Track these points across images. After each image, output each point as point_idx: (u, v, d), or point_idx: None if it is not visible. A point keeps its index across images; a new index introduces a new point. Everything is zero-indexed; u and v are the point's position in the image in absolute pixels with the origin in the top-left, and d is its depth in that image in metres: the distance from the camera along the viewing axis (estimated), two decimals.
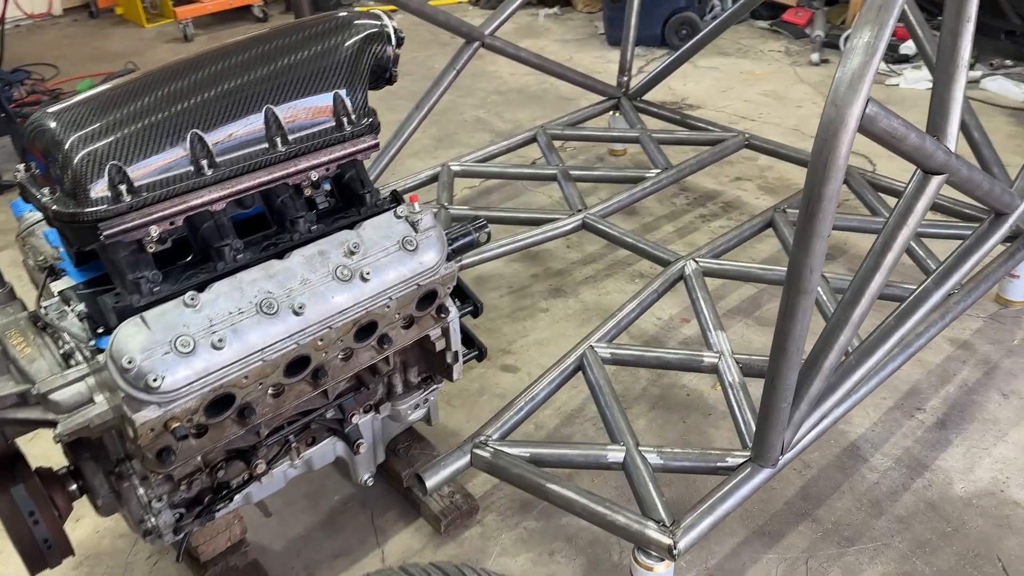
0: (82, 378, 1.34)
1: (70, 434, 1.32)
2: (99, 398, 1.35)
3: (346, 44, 1.51)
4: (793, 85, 4.20)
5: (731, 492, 1.63)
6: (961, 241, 1.89)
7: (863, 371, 1.75)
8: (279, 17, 5.64)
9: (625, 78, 3.38)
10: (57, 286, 1.48)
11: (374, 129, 1.55)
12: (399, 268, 1.48)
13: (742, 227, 2.51)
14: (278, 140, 1.42)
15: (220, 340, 1.28)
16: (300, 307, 1.35)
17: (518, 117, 3.95)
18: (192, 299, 1.28)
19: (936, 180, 1.50)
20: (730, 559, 1.80)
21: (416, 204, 1.53)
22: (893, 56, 4.36)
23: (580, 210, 2.60)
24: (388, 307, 1.48)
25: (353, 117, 1.51)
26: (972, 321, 2.43)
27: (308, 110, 1.45)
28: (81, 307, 1.33)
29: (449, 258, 1.57)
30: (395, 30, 1.58)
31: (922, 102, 3.94)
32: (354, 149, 1.50)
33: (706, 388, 2.25)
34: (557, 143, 3.07)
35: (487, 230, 1.87)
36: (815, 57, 4.45)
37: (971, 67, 4.16)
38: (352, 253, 1.44)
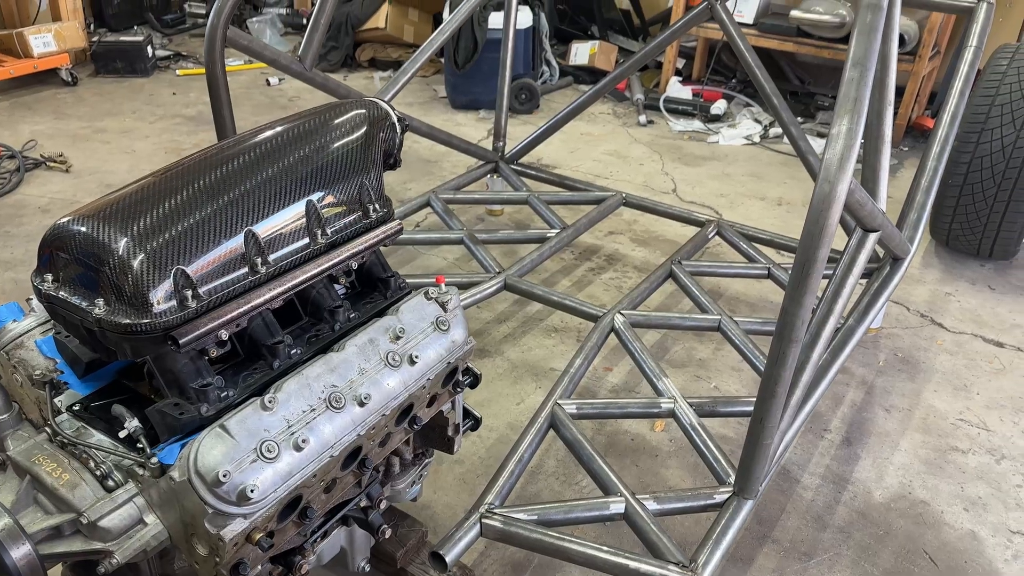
0: (130, 499, 1.25)
1: (126, 562, 1.22)
2: (150, 518, 1.26)
3: (364, 131, 1.53)
4: (630, 145, 4.61)
5: (728, 525, 1.79)
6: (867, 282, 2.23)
7: (811, 404, 2.01)
8: (89, 81, 5.25)
9: (501, 143, 3.55)
10: (62, 401, 1.35)
11: (392, 214, 1.57)
12: (437, 348, 1.51)
13: (649, 279, 2.74)
14: (318, 232, 1.41)
15: (303, 440, 1.24)
16: (366, 397, 1.35)
17: (387, 181, 3.97)
18: (270, 402, 1.23)
19: (872, 237, 1.79)
20: None
21: (443, 285, 1.57)
22: (707, 116, 4.92)
23: (499, 272, 2.71)
24: (425, 387, 1.51)
25: (377, 204, 1.53)
26: None
27: (341, 200, 1.45)
28: (136, 423, 1.23)
29: None
30: (399, 117, 1.62)
31: (742, 157, 4.52)
32: (384, 235, 1.52)
33: (647, 432, 2.43)
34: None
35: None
36: (642, 119, 4.91)
37: (772, 125, 4.80)
38: (398, 338, 1.45)
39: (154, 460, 1.21)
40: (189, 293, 1.21)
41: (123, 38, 5.40)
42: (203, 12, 6.39)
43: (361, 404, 1.34)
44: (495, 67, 4.73)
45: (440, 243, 3.12)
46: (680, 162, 4.37)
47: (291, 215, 1.37)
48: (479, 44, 4.72)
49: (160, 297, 1.19)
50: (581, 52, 5.51)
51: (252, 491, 1.16)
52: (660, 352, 2.80)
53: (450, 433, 1.78)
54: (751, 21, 4.91)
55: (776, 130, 4.76)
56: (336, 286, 1.56)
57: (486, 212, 3.68)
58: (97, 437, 1.30)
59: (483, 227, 3.57)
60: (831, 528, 2.13)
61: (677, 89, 5.15)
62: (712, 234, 3.08)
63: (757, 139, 4.70)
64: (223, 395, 1.26)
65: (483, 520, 1.80)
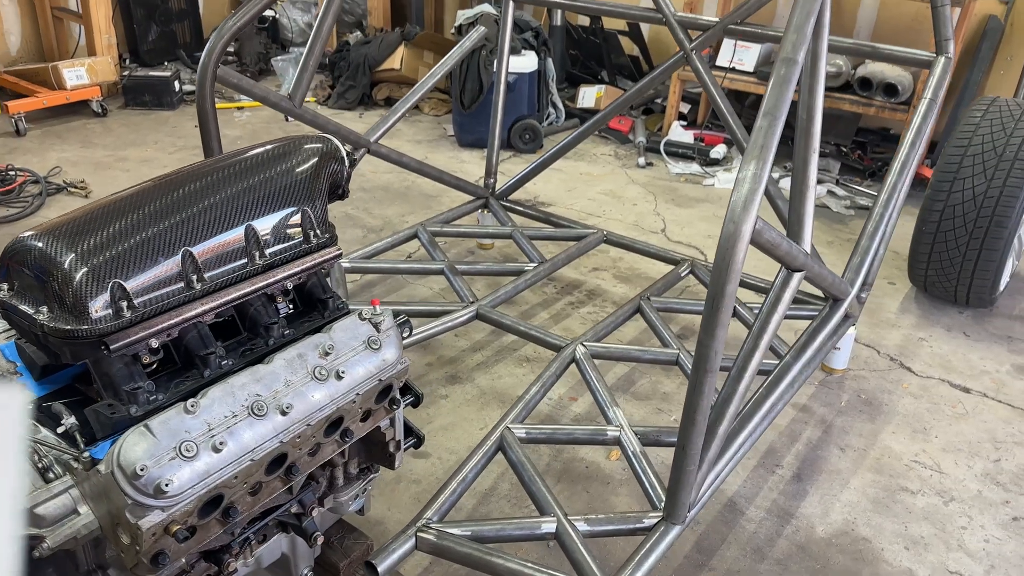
0: (66, 490, 1.37)
1: (57, 547, 1.34)
2: (83, 509, 1.38)
3: (309, 164, 1.67)
4: (626, 186, 4.73)
5: (652, 549, 1.86)
6: (810, 320, 2.31)
7: (744, 435, 2.08)
8: (119, 112, 5.53)
9: (492, 180, 3.69)
10: None
11: (334, 240, 1.71)
12: (367, 365, 1.62)
13: (616, 313, 2.84)
14: (256, 254, 1.54)
15: (221, 443, 1.36)
16: (288, 407, 1.46)
17: (386, 213, 4.15)
18: (192, 406, 1.36)
19: (797, 276, 1.88)
20: None
21: (377, 307, 1.70)
22: (705, 160, 5.02)
23: (473, 302, 2.83)
24: (355, 402, 1.62)
25: (318, 231, 1.66)
26: (807, 388, 2.88)
27: (282, 225, 1.59)
28: (72, 420, 1.36)
29: None
30: (348, 152, 1.77)
31: None
32: (322, 259, 1.65)
33: (602, 460, 2.51)
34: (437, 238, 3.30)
35: (409, 325, 2.04)
36: (641, 161, 5.03)
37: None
38: (327, 354, 1.57)
39: (86, 455, 1.34)
40: (124, 304, 1.34)
41: (152, 73, 5.69)
42: (232, 50, 6.68)
43: (283, 413, 1.46)
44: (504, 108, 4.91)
45: (421, 272, 3.25)
46: (673, 203, 4.48)
47: (230, 238, 1.50)
48: (484, 86, 4.90)
49: (98, 307, 1.32)
50: (588, 95, 5.68)
51: (167, 485, 1.28)
52: (626, 384, 2.89)
53: (391, 449, 1.89)
54: (751, 69, 5.03)
55: (774, 175, 4.84)
56: (280, 305, 1.70)
57: (477, 245, 3.82)
58: (44, 433, 1.43)
59: (473, 259, 3.70)
60: (769, 560, 2.18)
61: (679, 133, 5.27)
62: (685, 273, 3.18)
63: None
64: (152, 398, 1.39)
65: (419, 534, 1.90)
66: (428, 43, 5.85)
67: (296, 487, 1.69)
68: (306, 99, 5.96)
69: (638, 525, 1.94)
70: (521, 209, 3.64)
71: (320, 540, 1.76)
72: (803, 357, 2.17)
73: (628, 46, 6.07)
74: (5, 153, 4.68)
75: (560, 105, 5.54)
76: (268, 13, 6.87)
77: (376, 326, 1.67)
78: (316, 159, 1.70)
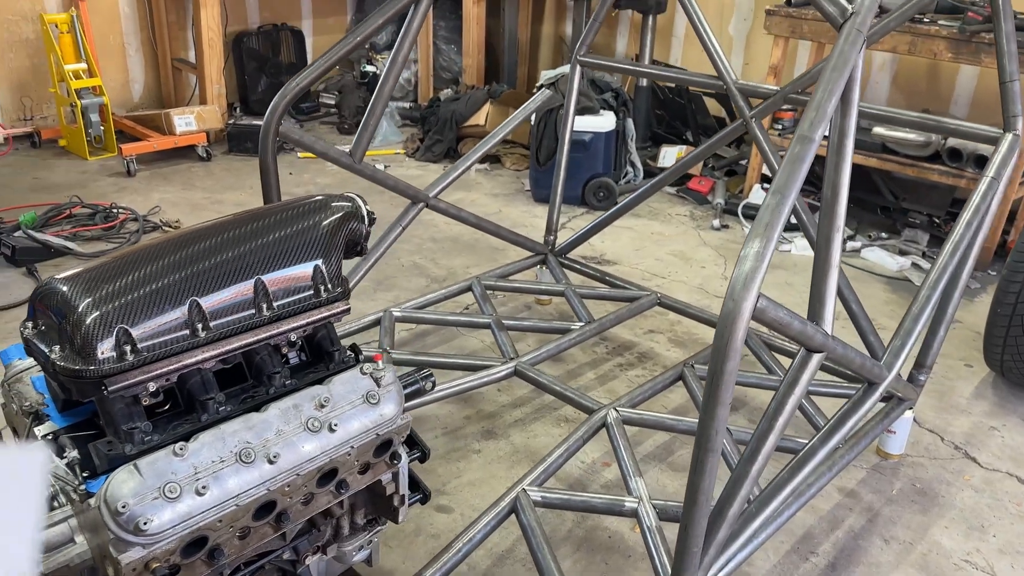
0: (65, 519, 1.46)
1: (50, 573, 1.43)
2: (79, 538, 1.46)
3: (326, 222, 1.75)
4: (698, 247, 4.66)
5: None
6: (845, 400, 2.21)
7: (762, 519, 2.00)
8: (222, 157, 5.90)
9: (552, 237, 3.73)
10: (40, 430, 1.61)
11: (346, 295, 1.77)
12: (362, 419, 1.66)
13: (656, 380, 2.79)
14: (264, 306, 1.62)
15: (204, 487, 1.42)
16: (275, 456, 1.52)
17: (452, 264, 4.24)
18: (181, 449, 1.43)
19: (816, 357, 1.81)
20: None
21: (380, 362, 1.74)
22: (786, 225, 4.90)
23: (512, 358, 2.85)
24: (349, 455, 1.66)
25: (329, 285, 1.73)
26: (857, 472, 2.73)
27: (292, 279, 1.66)
28: (75, 453, 1.46)
29: None
30: (368, 212, 1.84)
31: (811, 267, 4.45)
32: (329, 313, 1.71)
33: (626, 531, 2.45)
34: (490, 291, 3.35)
35: (432, 379, 2.07)
36: (716, 223, 4.96)
37: (852, 238, 4.74)
38: (323, 406, 1.62)
39: (81, 487, 1.43)
40: (128, 348, 1.44)
41: (254, 121, 6.04)
42: (333, 103, 7.04)
43: (271, 461, 1.51)
44: (575, 165, 4.95)
45: (468, 325, 3.30)
46: None
47: (238, 290, 1.58)
48: (560, 144, 4.96)
49: (103, 349, 1.42)
50: (669, 155, 5.66)
51: (145, 524, 1.35)
52: (664, 454, 2.82)
53: (396, 504, 1.91)
54: None
55: (853, 243, 4.68)
56: (291, 355, 1.77)
57: (535, 301, 3.84)
58: (57, 463, 1.53)
59: (527, 314, 3.73)
60: None
61: (760, 196, 5.17)
62: None
63: None
64: (148, 438, 1.47)
65: None
66: (513, 101, 6.00)
67: (289, 534, 1.73)
68: (397, 151, 6.22)
69: None
70: (578, 267, 3.65)
71: None
72: (832, 440, 2.07)
73: (715, 107, 6.04)
74: (114, 192, 5.06)
75: (639, 164, 5.55)
76: (369, 68, 7.20)
77: (377, 381, 1.71)
78: (337, 217, 1.77)
